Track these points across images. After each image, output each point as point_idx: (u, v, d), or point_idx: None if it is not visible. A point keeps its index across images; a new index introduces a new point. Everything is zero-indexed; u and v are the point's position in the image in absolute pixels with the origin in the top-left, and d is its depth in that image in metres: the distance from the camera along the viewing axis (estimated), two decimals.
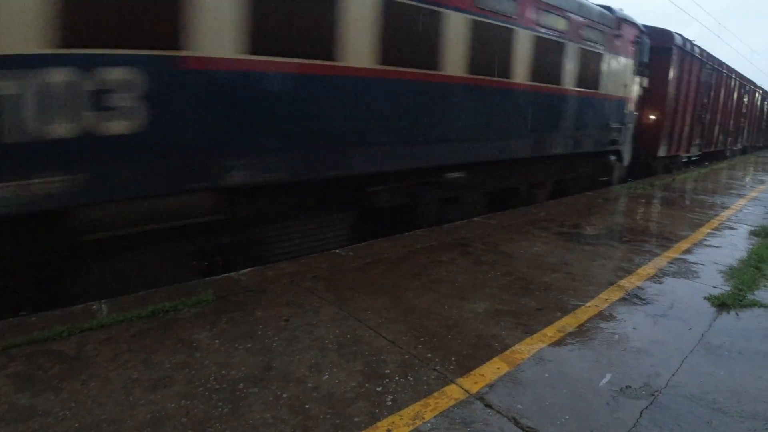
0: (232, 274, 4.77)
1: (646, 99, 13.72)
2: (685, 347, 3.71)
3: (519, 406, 2.90)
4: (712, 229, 7.64)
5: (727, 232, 7.55)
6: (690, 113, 16.37)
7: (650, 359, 3.51)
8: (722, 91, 20.66)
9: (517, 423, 2.74)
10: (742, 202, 10.65)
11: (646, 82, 12.88)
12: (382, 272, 4.96)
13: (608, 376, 3.25)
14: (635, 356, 3.54)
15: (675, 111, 14.95)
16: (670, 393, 3.10)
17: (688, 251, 6.30)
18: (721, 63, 19.58)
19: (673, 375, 3.31)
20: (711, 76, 18.23)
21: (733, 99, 22.91)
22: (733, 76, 22.33)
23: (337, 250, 5.60)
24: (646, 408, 2.93)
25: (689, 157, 19.01)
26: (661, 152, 14.71)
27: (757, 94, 28.99)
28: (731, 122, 23.26)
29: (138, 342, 3.43)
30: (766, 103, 32.72)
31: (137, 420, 2.63)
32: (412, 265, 5.19)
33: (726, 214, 9.06)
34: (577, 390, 3.09)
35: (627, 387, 3.14)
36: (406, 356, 3.36)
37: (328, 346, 3.46)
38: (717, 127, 20.62)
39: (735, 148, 26.06)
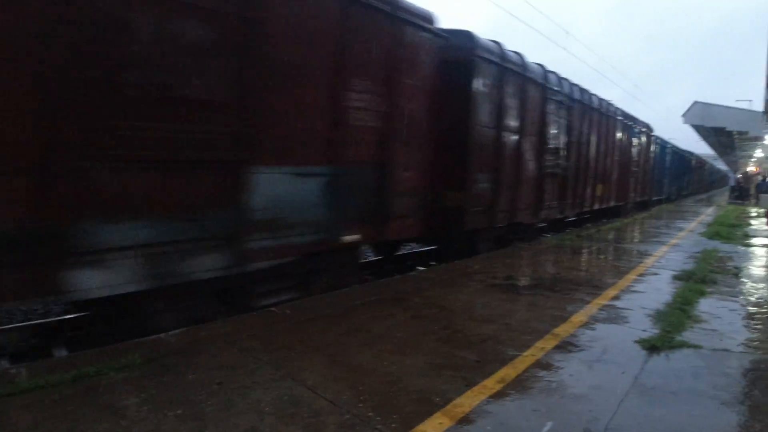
0: (162, 335, 4.55)
1: None
2: (620, 390, 3.78)
3: None
4: (638, 276, 7.96)
5: (651, 278, 7.89)
6: None
7: (588, 404, 3.54)
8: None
9: None
10: (664, 249, 11.18)
11: None
12: (321, 330, 4.85)
13: (549, 425, 3.25)
14: (574, 402, 3.57)
15: None
16: None
17: (616, 297, 6.52)
18: None
19: (611, 418, 3.35)
20: None
21: None
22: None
23: (273, 309, 5.45)
24: None
25: None
26: None
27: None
28: None
29: (60, 408, 3.17)
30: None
31: None
32: (352, 322, 5.12)
33: (650, 260, 9.49)
34: None
35: None
36: (347, 416, 3.26)
37: (264, 409, 3.32)
38: None
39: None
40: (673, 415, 3.43)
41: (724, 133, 47.07)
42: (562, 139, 12.57)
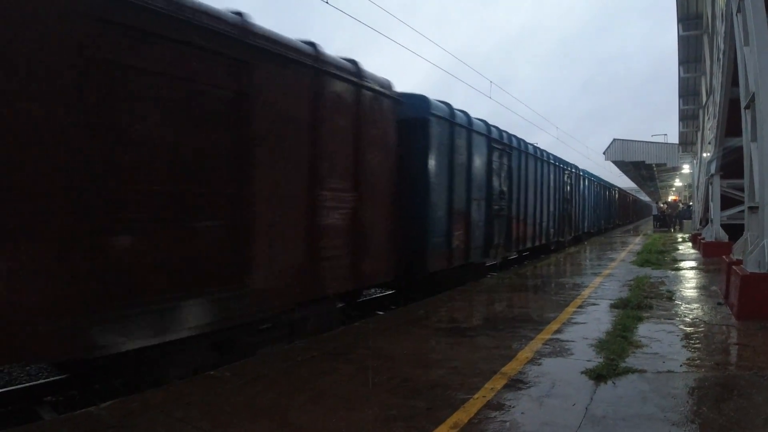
0: (91, 408, 4.19)
1: None
2: (572, 423, 3.73)
3: None
4: (577, 308, 8.08)
5: (590, 308, 8.02)
6: None
7: None
8: None
9: None
10: (599, 279, 11.46)
11: None
12: (262, 391, 4.61)
13: None
14: None
15: None
16: None
17: (558, 331, 6.56)
18: None
19: None
20: None
21: None
22: None
23: (212, 372, 5.16)
24: None
25: None
26: None
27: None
28: None
29: None
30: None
31: None
32: (294, 380, 4.90)
33: (587, 292, 9.68)
34: None
35: None
36: None
37: None
38: None
39: None
40: None
41: (644, 166, 49.85)
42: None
